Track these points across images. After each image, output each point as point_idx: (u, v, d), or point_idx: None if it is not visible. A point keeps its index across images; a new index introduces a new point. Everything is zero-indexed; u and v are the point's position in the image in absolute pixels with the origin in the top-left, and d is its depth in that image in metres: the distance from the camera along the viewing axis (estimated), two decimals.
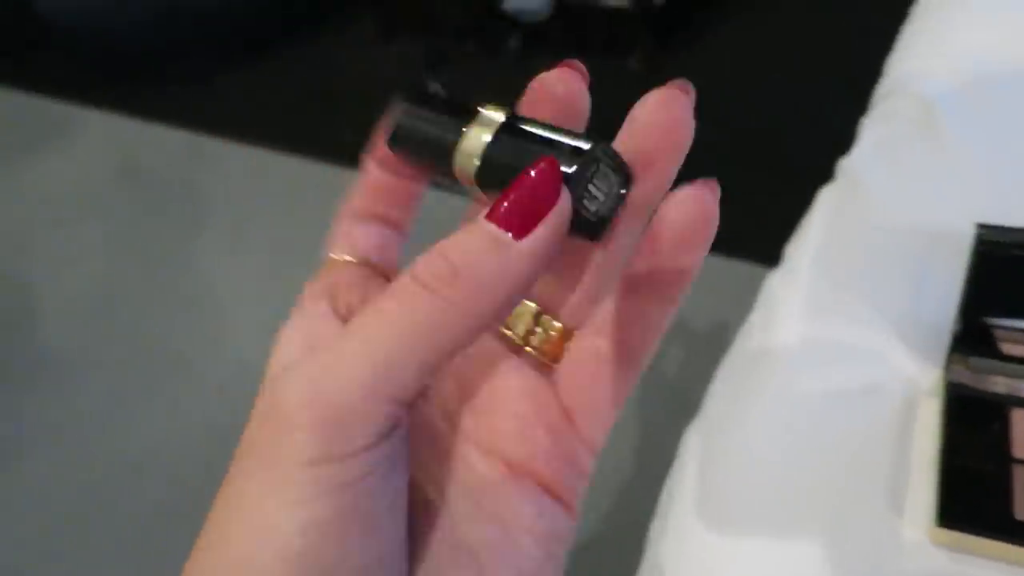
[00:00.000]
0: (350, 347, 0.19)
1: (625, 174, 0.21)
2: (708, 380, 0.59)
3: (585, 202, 0.20)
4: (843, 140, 0.71)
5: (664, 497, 0.55)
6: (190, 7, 1.92)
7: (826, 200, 0.64)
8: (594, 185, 0.21)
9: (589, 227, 0.21)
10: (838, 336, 0.56)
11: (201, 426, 1.36)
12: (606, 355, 0.22)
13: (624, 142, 0.22)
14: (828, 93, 1.62)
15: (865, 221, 0.60)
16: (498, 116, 0.21)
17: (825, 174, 0.68)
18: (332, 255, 0.26)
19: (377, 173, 0.27)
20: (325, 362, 0.19)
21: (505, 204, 0.19)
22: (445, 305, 0.19)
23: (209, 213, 1.74)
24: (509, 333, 0.24)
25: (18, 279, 1.66)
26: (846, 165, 0.66)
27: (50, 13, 1.92)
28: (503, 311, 0.20)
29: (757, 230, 1.33)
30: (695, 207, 0.21)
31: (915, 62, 0.73)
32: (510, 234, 0.19)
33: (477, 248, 0.19)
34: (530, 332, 0.24)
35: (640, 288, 0.22)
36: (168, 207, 1.77)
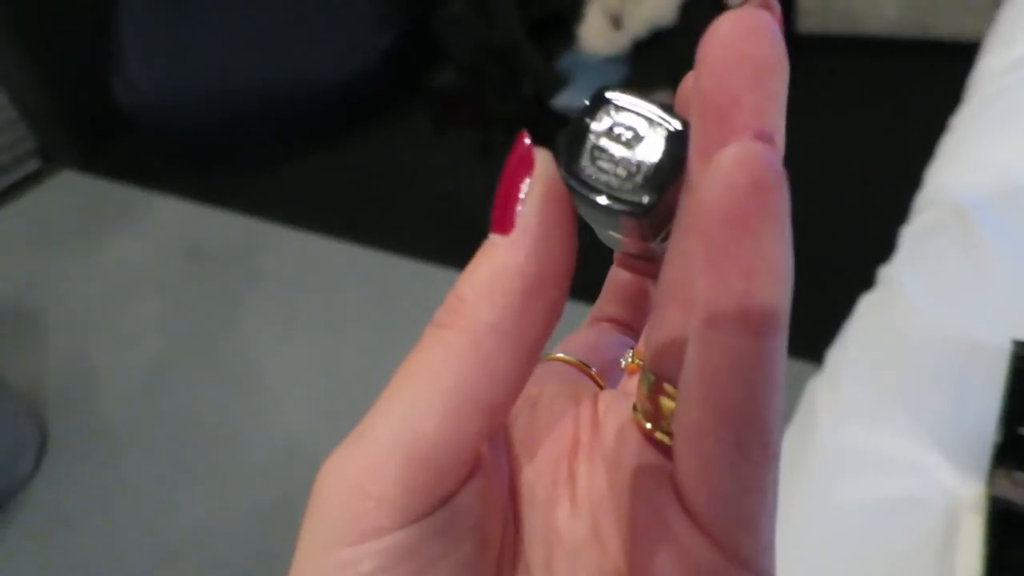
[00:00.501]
0: (372, 421, 0.18)
1: (672, 130, 0.17)
2: None
3: (598, 165, 0.17)
4: (882, 246, 0.73)
5: None
6: (256, 101, 2.04)
7: (867, 308, 0.66)
8: (611, 144, 0.17)
9: (619, 204, 0.17)
10: (878, 445, 0.56)
11: (247, 507, 1.38)
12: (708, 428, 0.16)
13: (687, 91, 0.17)
14: (869, 200, 1.64)
15: (905, 332, 0.62)
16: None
17: (865, 278, 0.70)
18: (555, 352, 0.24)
19: (612, 274, 0.26)
20: (353, 443, 0.18)
21: (495, 205, 0.18)
22: (454, 334, 0.17)
23: (265, 296, 1.80)
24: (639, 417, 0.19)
25: (82, 354, 1.73)
26: (886, 274, 0.68)
27: (128, 105, 2.05)
28: (520, 320, 0.17)
29: (796, 326, 1.34)
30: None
31: (953, 174, 0.75)
32: (497, 234, 0.18)
33: (472, 265, 0.18)
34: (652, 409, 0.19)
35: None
36: (227, 289, 1.84)
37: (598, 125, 0.17)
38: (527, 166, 0.18)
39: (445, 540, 0.18)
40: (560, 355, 0.25)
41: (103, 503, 1.42)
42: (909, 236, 0.71)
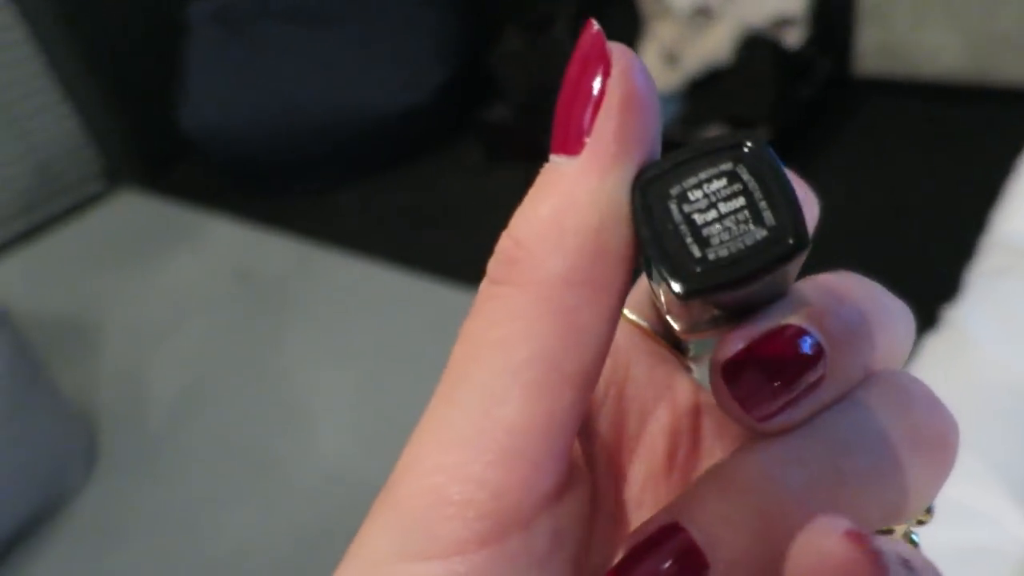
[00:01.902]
0: (443, 412, 0.15)
1: (786, 243, 0.14)
2: None
3: (681, 207, 0.14)
4: (944, 289, 0.72)
5: None
6: (314, 129, 2.08)
7: (931, 350, 0.64)
8: (710, 198, 0.14)
9: (663, 267, 0.14)
10: (948, 493, 0.54)
11: (287, 528, 1.39)
12: None
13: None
14: (930, 244, 1.61)
15: (973, 374, 0.60)
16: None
17: (928, 320, 0.68)
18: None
19: None
20: (423, 442, 0.16)
21: (557, 124, 0.14)
22: (518, 291, 0.14)
23: (313, 320, 1.82)
24: None
25: (134, 371, 1.76)
26: (952, 316, 0.66)
27: (192, 129, 2.11)
28: (598, 264, 0.14)
29: None
30: None
31: (1019, 219, 0.74)
32: (561, 155, 0.14)
33: (531, 198, 0.15)
34: None
35: None
36: (275, 312, 1.86)
37: (715, 168, 0.14)
38: (599, 61, 0.14)
39: (538, 559, 0.14)
40: (631, 316, 0.19)
41: (147, 518, 1.44)
42: (975, 278, 0.69)
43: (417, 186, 2.14)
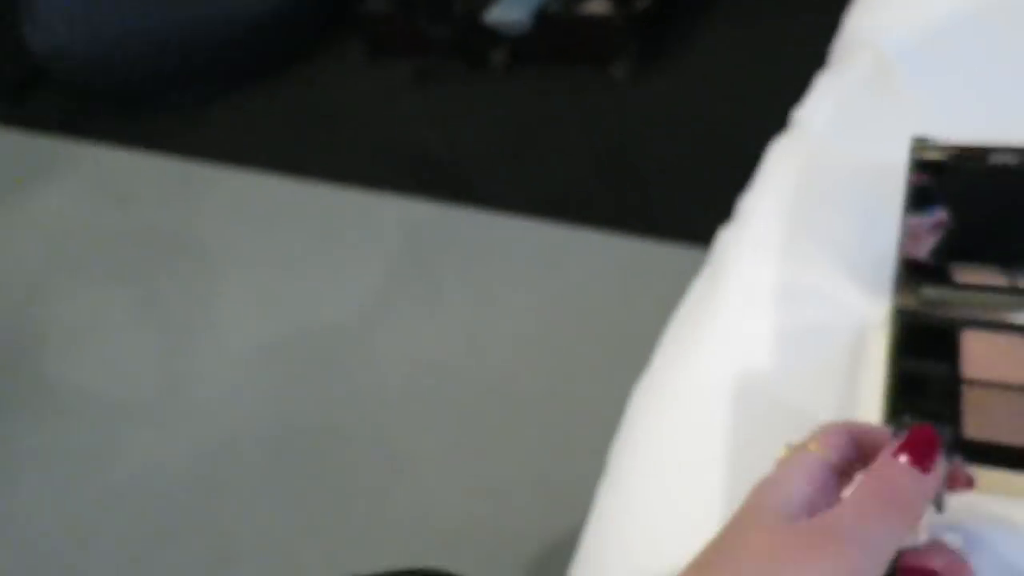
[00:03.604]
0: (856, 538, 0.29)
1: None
2: None
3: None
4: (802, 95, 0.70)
5: (612, 453, 0.52)
6: (179, 38, 1.95)
7: (776, 150, 0.63)
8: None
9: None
10: (786, 278, 0.54)
11: (191, 446, 1.35)
12: None
13: None
14: (787, 46, 1.61)
15: (814, 164, 0.59)
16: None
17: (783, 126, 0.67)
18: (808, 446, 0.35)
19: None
20: (841, 551, 0.28)
21: (913, 448, 0.31)
22: (899, 517, 0.30)
23: (202, 238, 1.74)
24: None
25: (16, 309, 1.67)
26: (798, 116, 0.65)
27: (42, 52, 1.96)
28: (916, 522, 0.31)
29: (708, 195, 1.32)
30: None
31: (870, 15, 0.72)
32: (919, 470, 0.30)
33: (913, 481, 0.30)
34: None
35: None
36: (161, 234, 1.78)
37: None
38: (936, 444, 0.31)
39: None
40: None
41: (42, 456, 1.39)
42: (823, 78, 0.68)
43: (298, 88, 2.05)
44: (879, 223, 0.54)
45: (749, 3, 1.96)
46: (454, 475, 1.25)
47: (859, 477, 0.32)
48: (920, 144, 0.46)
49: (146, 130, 2.00)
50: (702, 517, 0.44)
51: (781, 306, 0.52)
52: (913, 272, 0.48)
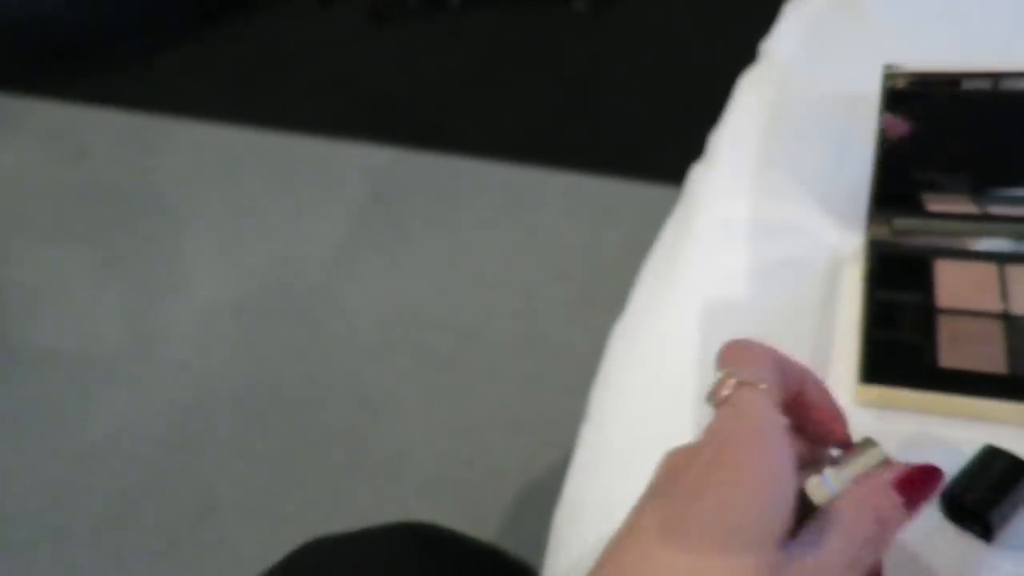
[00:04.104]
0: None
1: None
2: None
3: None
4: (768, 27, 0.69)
5: (592, 396, 0.52)
6: None
7: (745, 84, 0.62)
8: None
9: None
10: (758, 213, 0.53)
11: (163, 406, 1.34)
12: None
13: None
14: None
15: (783, 96, 0.58)
16: None
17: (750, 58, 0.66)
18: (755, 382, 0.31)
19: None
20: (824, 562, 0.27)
21: (912, 486, 0.30)
22: (877, 539, 0.29)
23: (161, 191, 1.70)
24: None
25: None
26: (766, 47, 0.63)
27: None
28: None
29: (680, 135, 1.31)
30: None
31: None
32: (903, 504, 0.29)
33: (892, 509, 0.29)
34: None
35: None
36: (120, 189, 1.73)
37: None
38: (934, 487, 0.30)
39: None
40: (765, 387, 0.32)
41: (12, 419, 1.36)
42: (789, 7, 0.67)
43: (250, 34, 1.98)
44: (850, 154, 0.53)
45: None
46: (432, 420, 1.26)
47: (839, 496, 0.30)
48: (891, 71, 0.46)
49: (94, 84, 1.92)
50: None
51: (754, 241, 0.52)
52: (885, 202, 0.48)
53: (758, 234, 0.52)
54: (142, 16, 1.95)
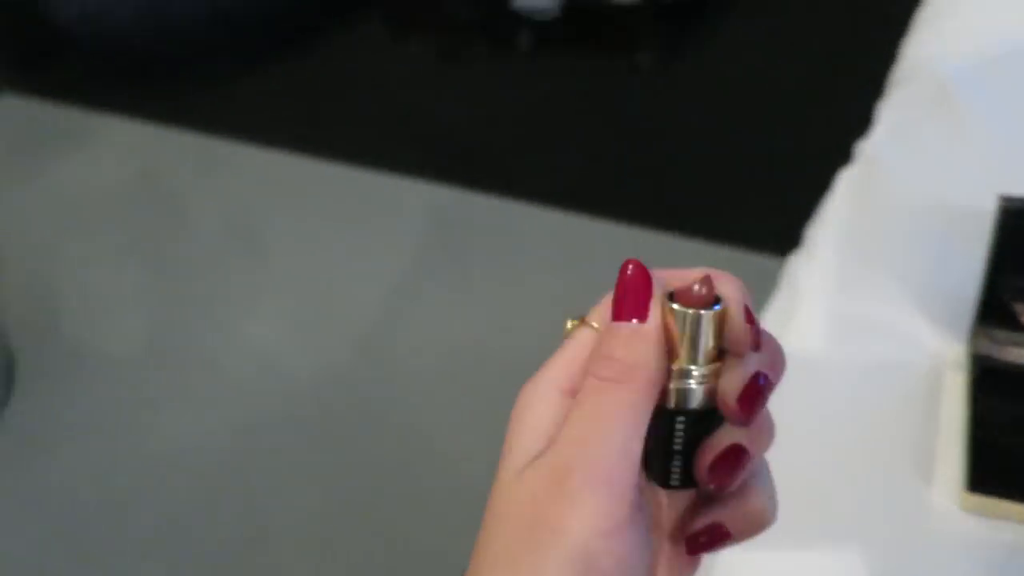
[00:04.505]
0: (605, 443, 0.25)
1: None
2: None
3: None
4: (860, 127, 0.72)
5: None
6: (203, 10, 1.95)
7: (846, 182, 0.65)
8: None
9: None
10: (862, 312, 0.57)
11: (221, 424, 1.38)
12: None
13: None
14: (842, 81, 1.63)
15: (887, 201, 0.61)
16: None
17: (844, 161, 0.69)
18: (589, 321, 0.29)
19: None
20: (597, 455, 0.25)
21: (622, 306, 0.26)
22: (637, 392, 0.25)
23: (227, 215, 1.76)
24: None
25: (41, 280, 1.68)
26: (865, 148, 0.67)
27: (66, 21, 1.95)
28: (662, 377, 0.26)
29: (776, 220, 1.34)
30: None
31: (930, 45, 0.74)
32: (635, 320, 0.26)
33: (628, 341, 0.26)
34: None
35: None
36: (187, 210, 1.79)
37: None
38: (647, 283, 0.27)
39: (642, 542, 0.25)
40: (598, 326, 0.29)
41: (78, 427, 1.41)
42: (886, 109, 0.70)
43: (320, 66, 2.04)
44: (953, 265, 0.57)
45: None
46: (484, 455, 1.29)
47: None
48: (1006, 204, 0.49)
49: (168, 103, 1.99)
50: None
51: (856, 339, 0.55)
52: (990, 315, 0.52)
53: (860, 333, 0.56)
54: (216, 41, 2.03)
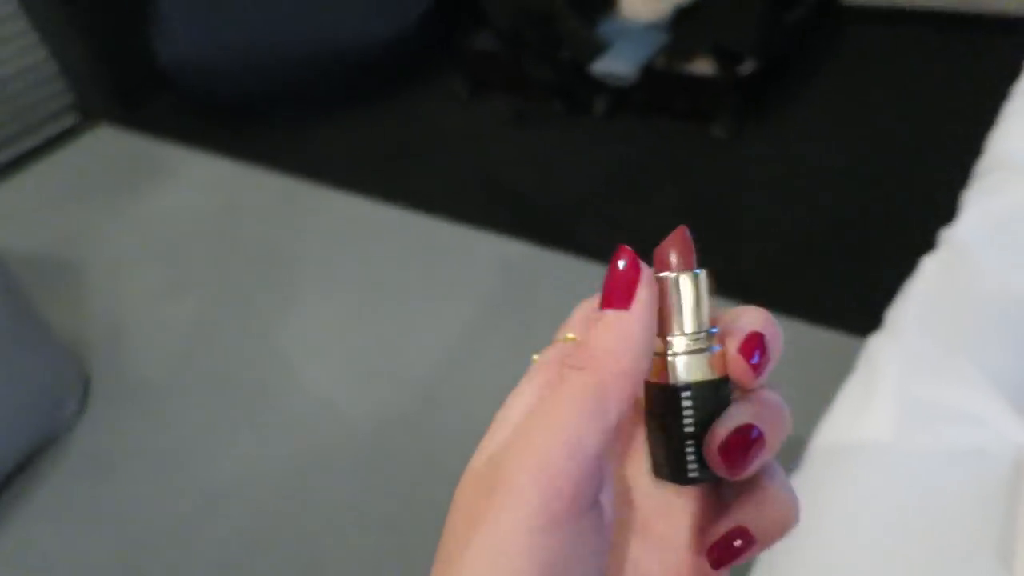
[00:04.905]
0: (549, 429, 0.23)
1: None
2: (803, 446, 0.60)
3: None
4: (941, 212, 0.73)
5: (767, 555, 0.56)
6: (294, 60, 2.04)
7: (930, 268, 0.66)
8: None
9: None
10: (943, 397, 0.57)
11: (283, 455, 1.41)
12: None
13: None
14: (919, 164, 1.63)
15: (971, 287, 0.62)
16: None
17: (924, 245, 0.70)
18: (565, 334, 0.28)
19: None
20: (537, 442, 0.23)
21: (605, 295, 0.25)
22: (599, 378, 0.24)
23: (302, 254, 1.81)
24: None
25: (121, 306, 1.76)
26: (950, 236, 0.68)
27: (164, 61, 2.06)
28: (638, 370, 0.24)
29: (857, 301, 1.34)
30: None
31: (1017, 138, 0.75)
32: (617, 310, 0.25)
33: (604, 328, 0.25)
34: None
35: None
36: (264, 246, 1.85)
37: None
38: (638, 274, 0.25)
39: (595, 536, 0.24)
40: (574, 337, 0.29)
41: (142, 450, 1.45)
42: (974, 199, 0.71)
43: (400, 118, 2.12)
44: None
45: (853, 70, 1.98)
46: None
47: None
48: None
49: (254, 143, 2.08)
50: None
51: (938, 426, 0.55)
52: None
53: (939, 418, 0.56)
54: (302, 89, 2.12)
